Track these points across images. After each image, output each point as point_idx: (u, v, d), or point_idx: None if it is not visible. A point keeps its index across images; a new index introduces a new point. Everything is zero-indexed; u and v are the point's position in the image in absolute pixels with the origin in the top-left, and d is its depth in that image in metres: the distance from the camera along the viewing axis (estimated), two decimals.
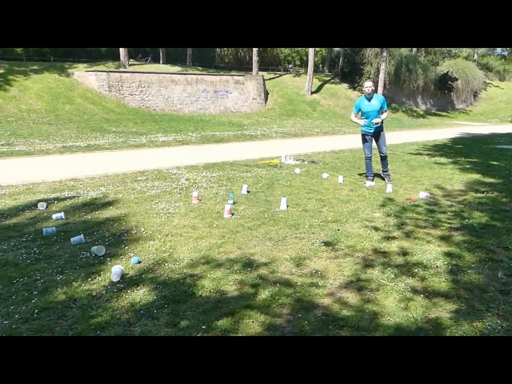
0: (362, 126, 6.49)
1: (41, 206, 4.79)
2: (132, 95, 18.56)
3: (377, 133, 6.43)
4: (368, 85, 6.17)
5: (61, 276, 3.03)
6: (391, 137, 6.80)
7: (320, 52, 36.02)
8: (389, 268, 3.26)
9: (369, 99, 6.27)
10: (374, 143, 6.59)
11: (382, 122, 6.35)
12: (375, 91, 6.47)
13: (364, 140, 6.55)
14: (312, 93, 25.75)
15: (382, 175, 6.79)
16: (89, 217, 4.48)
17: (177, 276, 3.07)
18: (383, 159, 6.63)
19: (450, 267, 3.28)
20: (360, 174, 7.22)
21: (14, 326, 2.39)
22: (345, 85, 28.24)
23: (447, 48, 34.86)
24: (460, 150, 11.33)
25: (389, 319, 2.52)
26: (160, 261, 3.34)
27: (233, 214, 4.64)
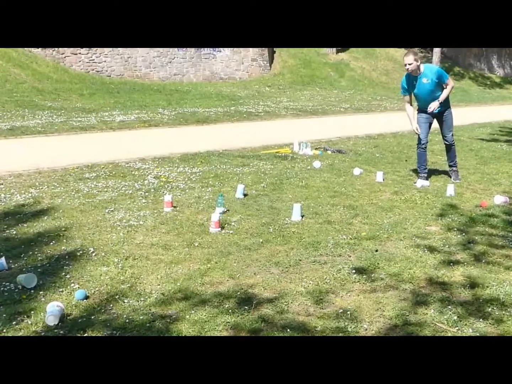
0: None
1: None
2: (76, 54, 18.62)
3: (440, 112, 6.43)
4: (407, 61, 6.03)
5: None
6: (454, 115, 6.80)
7: None
8: (450, 307, 3.27)
9: (417, 78, 6.20)
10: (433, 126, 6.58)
11: (446, 98, 6.27)
12: (430, 58, 6.45)
13: (419, 121, 6.51)
14: (338, 51, 25.84)
15: (448, 171, 6.80)
16: (14, 232, 4.49)
17: (141, 317, 3.08)
18: (449, 149, 6.64)
19: None
20: (408, 169, 7.24)
21: None
22: None
23: None
24: None
25: None
26: (117, 296, 3.35)
27: (223, 227, 4.67)
